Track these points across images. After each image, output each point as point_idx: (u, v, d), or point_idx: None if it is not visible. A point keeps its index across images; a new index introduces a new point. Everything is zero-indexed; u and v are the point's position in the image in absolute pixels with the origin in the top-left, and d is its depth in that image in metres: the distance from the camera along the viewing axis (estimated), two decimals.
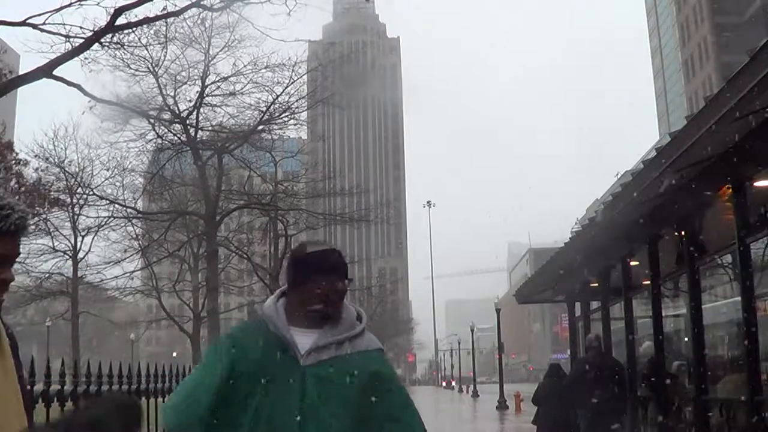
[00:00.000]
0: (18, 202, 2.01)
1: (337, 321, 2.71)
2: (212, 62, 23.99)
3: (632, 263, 11.25)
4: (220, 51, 23.71)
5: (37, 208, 24.81)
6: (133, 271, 30.00)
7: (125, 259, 27.74)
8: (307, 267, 2.72)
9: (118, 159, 25.78)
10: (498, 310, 41.10)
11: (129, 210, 26.44)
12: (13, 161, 23.41)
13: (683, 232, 8.86)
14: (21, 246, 2.05)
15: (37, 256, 28.94)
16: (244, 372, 2.60)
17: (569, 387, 10.42)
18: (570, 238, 12.72)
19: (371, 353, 2.73)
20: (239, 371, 2.61)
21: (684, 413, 9.35)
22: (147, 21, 15.83)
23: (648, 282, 10.35)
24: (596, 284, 13.19)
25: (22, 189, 23.51)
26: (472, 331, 59.76)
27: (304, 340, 2.65)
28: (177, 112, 24.14)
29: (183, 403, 2.67)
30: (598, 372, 9.83)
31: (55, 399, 4.07)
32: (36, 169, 25.69)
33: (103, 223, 28.15)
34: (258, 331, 2.70)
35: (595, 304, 14.15)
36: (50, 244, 28.95)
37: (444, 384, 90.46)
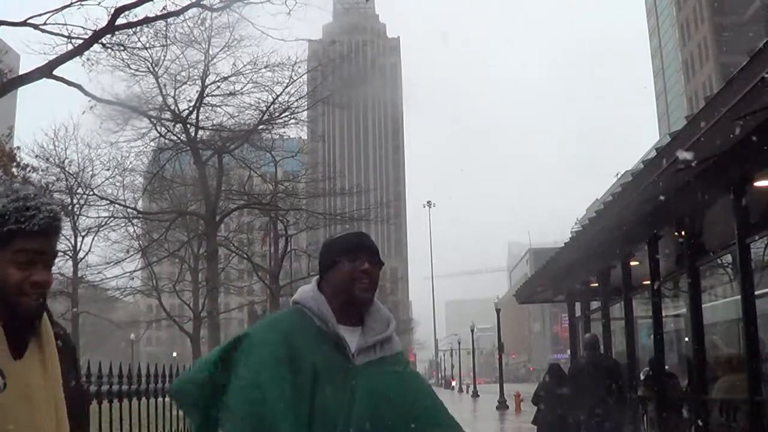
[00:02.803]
0: (48, 201, 2.01)
1: (369, 310, 2.60)
2: (212, 62, 24.02)
3: (632, 263, 11.26)
4: (220, 51, 23.74)
5: None
6: (133, 271, 29.96)
7: (125, 259, 27.74)
8: (334, 249, 2.62)
9: (119, 159, 25.80)
10: (498, 310, 41.09)
11: (129, 210, 26.45)
12: (15, 165, 23.34)
13: (683, 232, 8.86)
14: (53, 245, 2.03)
15: None
16: (297, 373, 2.42)
17: (569, 386, 10.43)
18: (570, 238, 12.74)
19: (401, 356, 2.66)
20: (294, 372, 2.42)
21: (683, 413, 9.37)
22: (147, 21, 15.84)
23: (648, 282, 10.35)
24: (596, 284, 13.20)
25: None
26: (472, 331, 59.74)
27: (348, 338, 2.53)
28: (177, 112, 24.14)
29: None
30: (597, 371, 9.85)
31: None
32: (36, 170, 25.67)
33: (103, 223, 28.10)
34: (306, 326, 2.53)
35: (595, 304, 14.16)
36: None
37: (444, 384, 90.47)
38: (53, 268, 2.10)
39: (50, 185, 25.60)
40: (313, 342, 2.48)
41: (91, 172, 26.98)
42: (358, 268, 2.56)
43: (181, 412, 2.62)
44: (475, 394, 51.81)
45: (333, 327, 2.51)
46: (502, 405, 35.22)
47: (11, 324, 1.94)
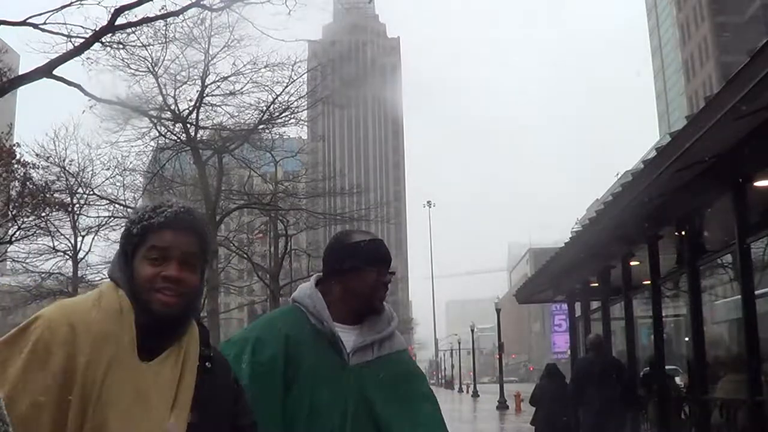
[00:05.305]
0: (184, 203, 2.06)
1: (379, 317, 2.59)
2: (212, 62, 24.00)
3: (632, 263, 11.26)
4: (220, 51, 23.73)
5: (41, 213, 24.80)
6: None
7: None
8: (360, 256, 2.55)
9: (119, 159, 25.79)
10: (498, 310, 41.11)
11: (129, 210, 26.40)
12: (15, 163, 23.28)
13: (683, 232, 8.86)
14: (187, 242, 1.99)
15: (38, 256, 28.96)
16: (295, 374, 2.42)
17: (573, 386, 10.42)
18: (570, 238, 12.73)
19: (404, 353, 2.65)
20: (291, 374, 2.42)
21: (682, 413, 9.37)
22: (147, 20, 15.85)
23: (648, 282, 10.35)
24: (596, 284, 13.20)
25: (27, 192, 23.37)
26: (473, 331, 59.77)
27: (344, 337, 2.51)
28: (177, 111, 24.14)
29: None
30: (605, 370, 9.87)
31: None
32: (36, 167, 25.62)
33: (103, 223, 28.09)
34: (303, 325, 2.51)
35: (595, 304, 14.15)
36: (50, 244, 28.94)
37: (444, 384, 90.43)
38: (198, 272, 2.03)
39: (50, 184, 25.57)
40: (309, 342, 2.47)
41: (91, 172, 26.96)
42: (383, 280, 2.56)
43: None
44: (476, 394, 51.83)
45: (328, 326, 2.49)
46: (502, 405, 35.21)
47: (146, 325, 1.91)
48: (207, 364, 2.02)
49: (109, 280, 2.04)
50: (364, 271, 2.53)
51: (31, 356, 1.80)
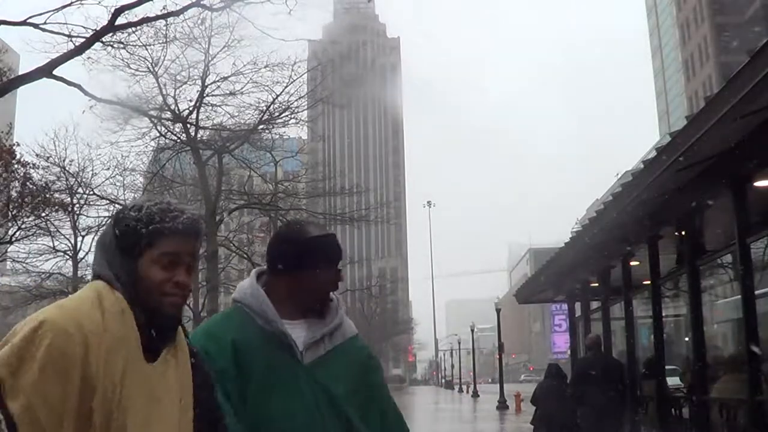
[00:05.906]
0: (189, 206, 2.06)
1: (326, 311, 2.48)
2: (212, 62, 23.99)
3: (632, 263, 11.26)
4: (220, 51, 23.71)
5: (41, 213, 24.80)
6: None
7: None
8: (310, 252, 2.40)
9: (119, 159, 25.80)
10: (498, 310, 41.10)
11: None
12: (15, 163, 23.25)
13: (683, 232, 8.87)
14: (196, 248, 2.01)
15: (37, 256, 28.99)
16: (248, 382, 2.31)
17: (573, 386, 10.43)
18: (570, 238, 12.73)
19: (356, 339, 2.52)
20: (243, 383, 2.30)
21: (681, 413, 9.37)
22: (147, 20, 15.85)
23: (648, 282, 10.35)
24: (596, 284, 13.20)
25: (27, 192, 23.35)
26: (473, 331, 59.79)
27: (293, 333, 2.38)
28: (177, 111, 24.14)
29: None
30: (606, 370, 9.87)
31: None
32: (36, 167, 25.62)
33: (103, 223, 28.07)
34: (249, 327, 2.37)
35: (595, 304, 14.16)
36: (50, 244, 28.98)
37: (444, 384, 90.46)
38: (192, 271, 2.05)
39: (50, 184, 25.57)
40: (258, 345, 2.34)
41: (91, 172, 26.99)
42: (335, 279, 2.46)
43: None
44: (476, 394, 51.84)
45: (276, 325, 2.36)
46: (502, 405, 35.22)
47: (149, 328, 1.92)
48: (192, 359, 2.04)
49: (95, 277, 1.99)
50: (318, 269, 2.40)
51: (46, 364, 1.75)
